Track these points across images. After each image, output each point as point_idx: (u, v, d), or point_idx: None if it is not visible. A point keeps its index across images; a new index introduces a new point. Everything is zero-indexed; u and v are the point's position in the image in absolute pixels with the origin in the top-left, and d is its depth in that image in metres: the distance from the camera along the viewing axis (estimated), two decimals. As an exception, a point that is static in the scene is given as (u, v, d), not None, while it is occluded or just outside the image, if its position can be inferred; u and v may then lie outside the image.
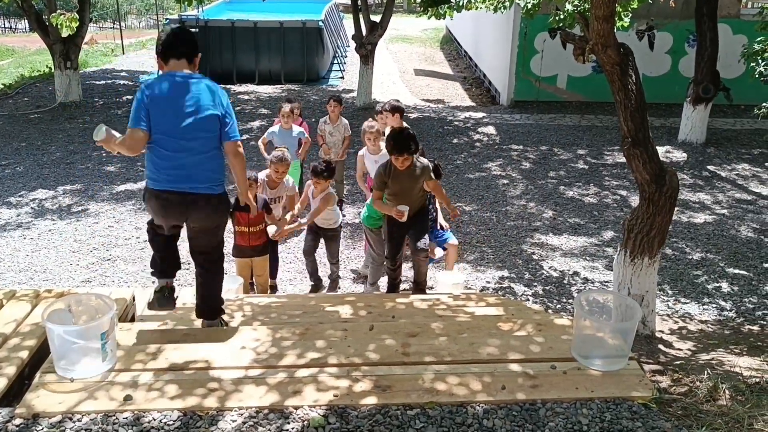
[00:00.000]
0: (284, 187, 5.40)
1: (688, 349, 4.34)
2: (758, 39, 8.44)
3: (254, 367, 3.23)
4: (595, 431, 2.82)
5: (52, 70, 12.55)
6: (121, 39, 20.50)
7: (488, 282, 5.99)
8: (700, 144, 10.31)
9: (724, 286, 5.94)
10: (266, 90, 13.91)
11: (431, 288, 5.43)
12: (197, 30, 14.25)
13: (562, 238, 6.96)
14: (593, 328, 3.42)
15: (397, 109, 6.25)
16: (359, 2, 12.10)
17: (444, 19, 11.22)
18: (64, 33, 9.78)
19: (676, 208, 4.28)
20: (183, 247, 3.94)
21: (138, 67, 16.64)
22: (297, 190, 5.81)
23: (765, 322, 5.28)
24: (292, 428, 2.81)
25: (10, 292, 4.21)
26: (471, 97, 14.23)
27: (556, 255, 6.55)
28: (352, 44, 12.94)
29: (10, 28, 29.24)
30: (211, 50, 13.84)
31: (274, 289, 5.59)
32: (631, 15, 8.68)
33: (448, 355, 3.34)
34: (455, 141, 10.57)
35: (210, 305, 3.90)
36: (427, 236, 5.02)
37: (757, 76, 8.20)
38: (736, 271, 6.24)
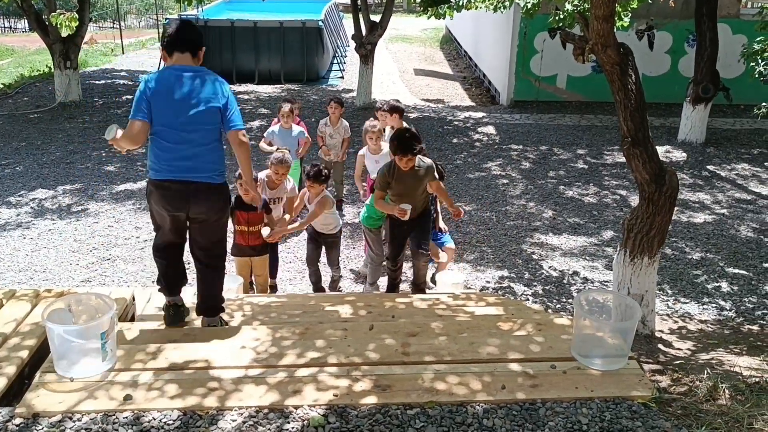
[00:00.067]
0: (284, 188, 5.38)
1: (688, 349, 4.34)
2: (758, 39, 8.44)
3: (254, 366, 3.23)
4: (594, 431, 2.82)
5: (52, 70, 12.55)
6: (121, 39, 20.50)
7: (488, 282, 5.99)
8: (700, 144, 10.32)
9: (724, 285, 5.94)
10: (266, 90, 13.91)
11: (431, 288, 5.44)
12: (197, 29, 14.24)
13: (562, 237, 6.96)
14: (593, 327, 3.43)
15: (395, 110, 6.25)
16: (359, 2, 12.10)
17: (444, 18, 11.21)
18: (64, 33, 9.77)
19: (675, 208, 4.28)
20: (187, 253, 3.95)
21: (138, 67, 16.64)
22: (297, 192, 5.81)
23: (765, 322, 5.28)
24: (292, 428, 2.81)
25: (9, 291, 4.21)
26: (471, 97, 14.23)
27: (555, 255, 6.55)
28: (352, 44, 12.94)
29: (10, 27, 29.23)
30: (211, 50, 13.82)
31: (274, 288, 5.58)
32: (630, 15, 8.68)
33: (447, 354, 3.34)
34: (455, 141, 10.57)
35: (210, 304, 3.90)
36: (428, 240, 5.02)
37: (756, 75, 8.20)
38: (736, 270, 6.24)
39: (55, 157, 9.29)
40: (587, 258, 6.49)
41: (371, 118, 6.36)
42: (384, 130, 6.14)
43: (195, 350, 3.38)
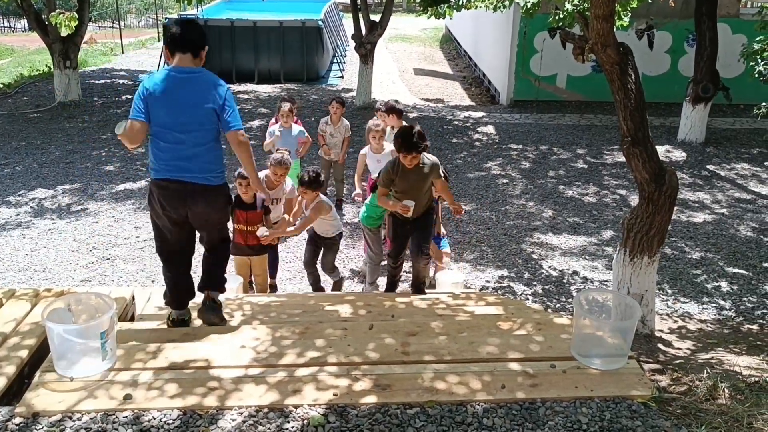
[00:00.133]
0: (283, 189, 5.37)
1: (688, 348, 4.35)
2: (757, 38, 8.44)
3: (254, 366, 3.23)
4: (594, 430, 2.82)
5: (52, 70, 12.54)
6: (121, 38, 20.50)
7: (488, 281, 5.99)
8: (700, 143, 10.32)
9: (724, 285, 5.94)
10: (266, 89, 13.91)
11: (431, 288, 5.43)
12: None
13: (562, 237, 6.96)
14: (593, 327, 3.43)
15: (393, 110, 6.24)
16: (359, 1, 12.10)
17: (443, 18, 11.21)
18: (64, 32, 9.76)
19: (675, 208, 4.28)
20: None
21: (137, 67, 16.63)
22: (297, 192, 5.79)
23: (764, 322, 5.28)
24: (292, 427, 2.81)
25: (9, 291, 4.21)
26: (470, 97, 14.23)
27: (555, 254, 6.56)
28: (352, 43, 12.93)
29: (10, 27, 29.22)
30: (211, 50, 13.63)
31: (273, 288, 5.58)
32: (630, 14, 8.68)
33: (447, 354, 3.34)
34: (455, 140, 10.57)
35: (213, 279, 3.93)
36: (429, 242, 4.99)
37: (756, 75, 8.20)
38: (736, 270, 6.24)
39: (55, 156, 9.28)
40: (587, 257, 6.49)
41: (376, 117, 6.34)
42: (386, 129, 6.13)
43: (195, 350, 3.38)
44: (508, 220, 7.36)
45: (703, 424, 2.86)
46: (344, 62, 16.91)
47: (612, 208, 7.80)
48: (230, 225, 4.31)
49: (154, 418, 2.84)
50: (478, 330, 3.76)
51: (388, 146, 5.75)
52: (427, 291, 5.10)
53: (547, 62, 12.59)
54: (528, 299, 5.66)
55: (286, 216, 5.32)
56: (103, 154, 9.47)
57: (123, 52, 19.37)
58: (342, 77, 15.66)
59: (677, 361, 3.87)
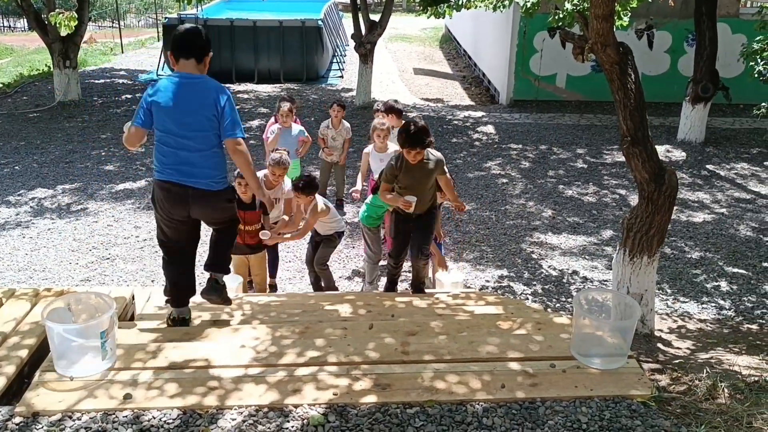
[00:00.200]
0: (282, 189, 5.36)
1: (687, 348, 4.35)
2: (757, 38, 8.44)
3: (254, 365, 3.23)
4: (594, 429, 2.82)
5: (51, 69, 12.54)
6: (120, 38, 20.49)
7: (487, 281, 5.99)
8: (699, 143, 10.32)
9: (723, 285, 5.94)
10: (265, 89, 13.90)
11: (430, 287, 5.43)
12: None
13: (562, 237, 6.96)
14: (592, 326, 3.43)
15: (392, 110, 6.24)
16: (358, 1, 12.10)
17: (443, 18, 11.21)
18: (63, 32, 9.73)
19: (675, 207, 4.29)
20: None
21: (137, 66, 16.63)
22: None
23: (764, 321, 5.29)
24: (292, 426, 2.81)
25: (9, 290, 4.21)
26: (470, 96, 14.23)
27: (555, 254, 6.56)
28: (352, 43, 12.93)
29: (9, 26, 29.21)
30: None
31: (273, 288, 5.58)
32: (630, 14, 8.68)
33: (447, 353, 3.34)
34: (454, 140, 10.57)
35: (218, 261, 3.99)
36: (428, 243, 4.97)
37: (756, 75, 8.21)
38: (735, 270, 6.24)
39: (55, 156, 9.28)
40: (587, 257, 6.49)
41: (381, 116, 6.31)
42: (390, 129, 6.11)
43: (195, 349, 3.38)
44: (508, 220, 7.37)
45: (702, 424, 2.86)
46: (344, 62, 16.91)
47: (612, 208, 7.80)
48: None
49: (154, 418, 2.84)
50: (478, 329, 3.76)
51: (392, 146, 5.74)
52: (426, 290, 5.10)
53: (546, 62, 12.59)
54: (528, 299, 5.66)
55: (286, 216, 5.31)
56: (103, 153, 9.47)
57: (123, 52, 19.37)
58: (342, 77, 15.66)
59: (677, 361, 3.87)
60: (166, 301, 4.03)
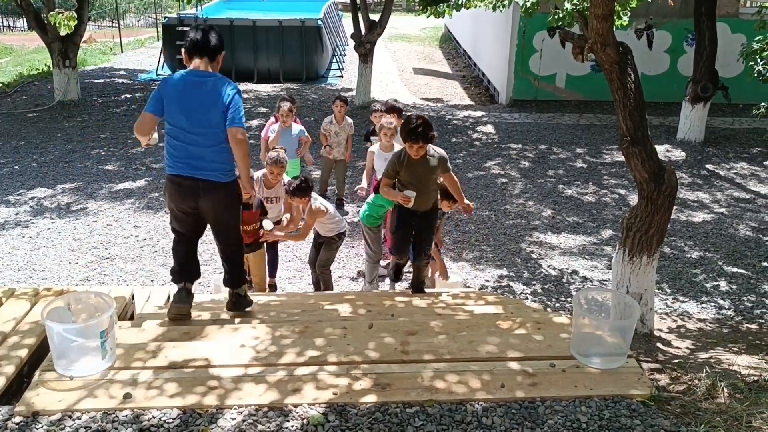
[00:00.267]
0: (281, 188, 5.36)
1: (687, 348, 4.35)
2: (757, 38, 8.45)
3: (254, 365, 3.23)
4: (593, 429, 2.82)
5: (51, 69, 12.54)
6: (120, 37, 20.49)
7: (487, 280, 6.00)
8: (699, 143, 10.33)
9: (723, 284, 5.95)
10: (265, 89, 13.91)
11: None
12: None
13: (561, 236, 6.97)
14: (592, 326, 3.43)
15: (393, 109, 6.24)
16: (358, 1, 12.10)
17: (443, 17, 11.20)
18: (63, 31, 9.70)
19: (674, 207, 4.29)
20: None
21: (136, 66, 16.63)
22: None
23: (763, 321, 5.29)
24: (292, 426, 2.81)
25: (9, 290, 4.21)
26: (470, 96, 14.23)
27: (554, 253, 6.56)
28: (351, 43, 12.93)
29: (9, 26, 29.20)
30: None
31: (273, 287, 5.58)
32: (629, 14, 8.68)
33: (447, 353, 3.34)
34: (454, 140, 10.57)
35: (232, 274, 4.19)
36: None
37: (755, 75, 8.22)
38: (735, 269, 6.25)
39: (54, 155, 9.28)
40: (586, 257, 6.50)
41: (388, 115, 6.30)
42: (398, 128, 6.09)
43: (194, 349, 3.38)
44: (508, 220, 7.37)
45: (702, 423, 2.86)
46: (343, 61, 16.91)
47: (611, 208, 7.81)
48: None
49: (154, 417, 2.84)
50: (478, 329, 3.76)
51: (398, 146, 5.73)
52: (426, 290, 5.10)
53: (546, 62, 12.60)
54: (527, 298, 5.66)
55: (288, 215, 5.31)
56: (103, 153, 9.47)
57: (122, 52, 19.36)
58: (341, 76, 15.66)
59: (676, 360, 3.87)
60: (172, 279, 4.19)
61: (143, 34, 23.40)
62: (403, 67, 17.21)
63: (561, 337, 3.54)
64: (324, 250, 5.35)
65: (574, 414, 2.90)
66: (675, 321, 5.18)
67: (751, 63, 8.35)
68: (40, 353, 3.38)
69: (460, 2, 10.44)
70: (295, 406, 2.92)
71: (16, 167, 8.78)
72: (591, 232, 7.08)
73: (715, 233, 7.08)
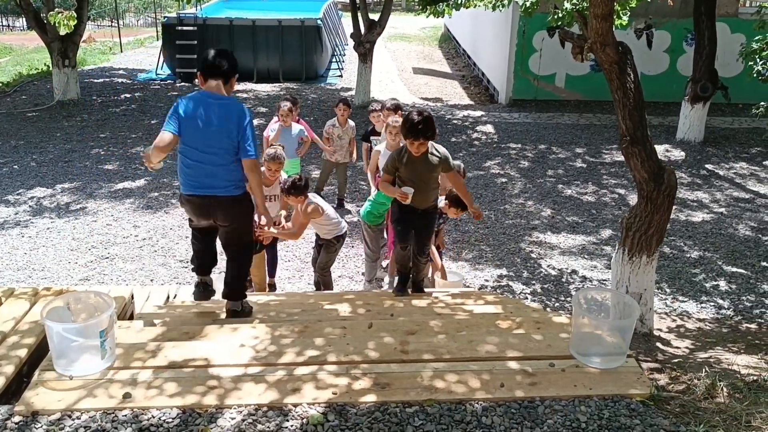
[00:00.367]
0: (278, 186, 5.35)
1: (686, 347, 4.35)
2: (756, 38, 8.45)
3: (253, 364, 3.23)
4: (593, 428, 2.82)
5: (50, 68, 12.53)
6: (119, 37, 20.48)
7: (487, 280, 6.00)
8: (698, 142, 10.33)
9: (722, 284, 5.95)
10: (265, 88, 13.90)
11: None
12: (195, 28, 14.23)
13: (561, 236, 6.97)
14: (591, 325, 3.43)
15: (398, 108, 6.26)
16: (358, 0, 12.10)
17: (442, 17, 11.20)
18: (62, 31, 9.71)
19: (674, 207, 4.29)
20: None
21: (136, 65, 16.62)
22: None
23: (763, 320, 5.29)
24: (291, 426, 2.81)
25: (8, 290, 4.20)
26: (469, 96, 14.23)
27: (554, 253, 6.56)
28: (351, 42, 12.93)
29: (8, 26, 29.19)
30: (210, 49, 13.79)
31: (273, 287, 5.58)
32: (629, 13, 8.68)
33: (446, 352, 3.34)
34: (454, 140, 10.58)
35: (232, 288, 4.27)
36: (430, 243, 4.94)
37: (755, 74, 8.22)
38: (734, 269, 6.25)
39: (54, 155, 9.28)
40: (586, 256, 6.50)
41: (395, 114, 6.29)
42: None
43: (194, 348, 3.38)
44: (507, 219, 7.37)
45: (701, 423, 2.87)
46: (343, 61, 16.91)
47: (611, 207, 7.81)
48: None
49: (154, 417, 2.83)
50: (477, 329, 3.76)
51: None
52: (426, 290, 5.10)
53: (546, 61, 12.60)
54: (527, 298, 5.66)
55: (284, 212, 5.31)
56: (102, 153, 9.47)
57: (122, 51, 19.36)
58: (341, 76, 15.66)
59: (676, 360, 3.88)
60: (192, 269, 4.48)
61: (143, 34, 23.40)
62: (403, 67, 17.20)
63: (560, 337, 3.54)
64: (323, 252, 5.34)
65: (574, 413, 2.90)
66: (674, 321, 5.18)
67: (750, 63, 8.35)
68: (39, 353, 3.38)
69: (459, 2, 10.44)
70: (295, 405, 2.92)
71: (16, 167, 8.77)
72: (590, 232, 7.08)
73: (714, 233, 7.08)
